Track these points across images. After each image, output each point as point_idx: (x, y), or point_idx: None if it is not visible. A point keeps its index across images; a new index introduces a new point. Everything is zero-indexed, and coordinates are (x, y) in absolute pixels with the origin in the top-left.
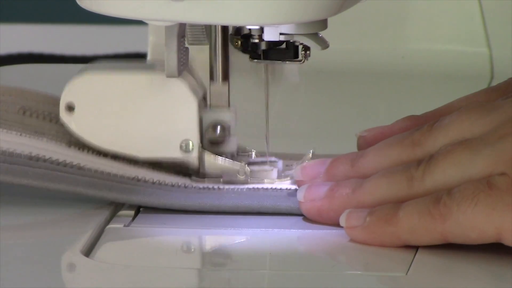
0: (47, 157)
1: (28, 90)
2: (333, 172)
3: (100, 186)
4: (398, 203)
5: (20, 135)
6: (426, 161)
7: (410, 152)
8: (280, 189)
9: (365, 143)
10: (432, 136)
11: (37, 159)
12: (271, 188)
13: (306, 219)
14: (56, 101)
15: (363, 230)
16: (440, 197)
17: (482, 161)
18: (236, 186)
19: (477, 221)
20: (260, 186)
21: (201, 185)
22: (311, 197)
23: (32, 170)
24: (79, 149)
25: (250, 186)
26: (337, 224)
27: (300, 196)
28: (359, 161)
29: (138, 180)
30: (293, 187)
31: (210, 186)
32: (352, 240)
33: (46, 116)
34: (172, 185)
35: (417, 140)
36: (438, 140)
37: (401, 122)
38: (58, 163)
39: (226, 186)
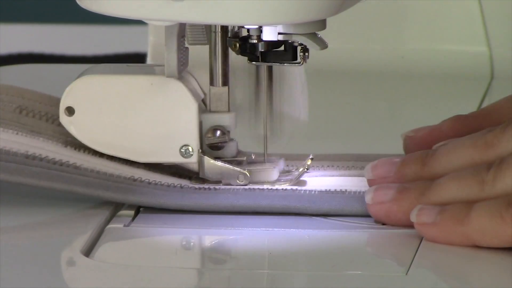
0: (43, 156)
1: (25, 89)
2: (404, 171)
3: (96, 185)
4: (469, 203)
5: (17, 133)
6: (497, 165)
7: (483, 154)
8: (276, 189)
9: (413, 144)
10: (505, 138)
11: (33, 157)
12: (267, 188)
13: (305, 219)
14: (53, 101)
15: (434, 227)
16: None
17: None
18: (232, 186)
19: None
20: (256, 186)
21: (197, 185)
22: (379, 199)
23: (28, 169)
24: (75, 149)
25: (247, 186)
26: (405, 226)
27: (368, 198)
28: (430, 161)
29: (134, 180)
30: (339, 188)
31: (206, 186)
32: (422, 236)
33: (42, 116)
34: (168, 185)
35: (490, 141)
36: (511, 142)
37: (449, 122)
38: (54, 162)
39: (222, 186)
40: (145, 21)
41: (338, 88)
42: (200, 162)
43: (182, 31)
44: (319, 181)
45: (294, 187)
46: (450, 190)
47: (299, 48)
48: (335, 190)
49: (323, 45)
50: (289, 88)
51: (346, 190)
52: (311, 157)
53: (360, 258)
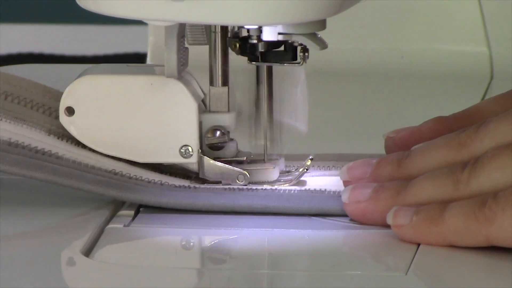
0: (26, 144)
1: (13, 75)
2: (379, 172)
3: (77, 177)
4: (445, 203)
5: (1, 120)
6: (471, 164)
7: (457, 154)
8: (256, 188)
9: (393, 145)
10: (479, 138)
11: (16, 145)
12: (247, 188)
13: (304, 219)
14: (39, 88)
15: (409, 229)
16: (485, 200)
17: None
18: (212, 186)
19: None
20: (236, 186)
21: (177, 183)
22: (356, 198)
23: (10, 157)
24: (58, 138)
25: (226, 186)
26: (382, 225)
27: (345, 197)
28: (405, 162)
29: (115, 173)
30: (318, 187)
31: (186, 184)
32: (399, 238)
33: (27, 103)
34: (149, 181)
35: (463, 141)
36: (485, 142)
37: (430, 123)
38: (37, 151)
39: (202, 186)
40: (145, 21)
41: (338, 88)
42: (200, 163)
43: (182, 31)
44: (300, 180)
45: (274, 187)
46: (426, 190)
47: (299, 48)
48: (314, 189)
49: (323, 45)
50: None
51: (325, 190)
52: (311, 157)
53: (360, 258)
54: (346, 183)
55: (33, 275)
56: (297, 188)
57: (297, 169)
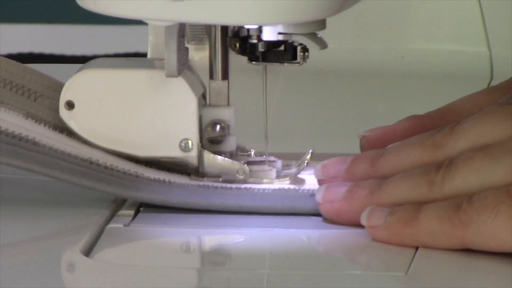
0: (2, 128)
1: None
2: (353, 171)
3: (52, 166)
4: (419, 204)
5: None
6: (446, 166)
7: (431, 154)
8: (230, 187)
9: (368, 144)
10: (453, 138)
11: None
12: (221, 186)
13: (304, 219)
14: (19, 68)
15: (383, 230)
16: (460, 203)
17: (502, 169)
18: (187, 182)
19: (497, 231)
20: (211, 184)
21: (152, 175)
22: (330, 198)
23: None
24: (36, 122)
25: (201, 183)
26: (356, 225)
27: (319, 197)
28: (380, 161)
29: (91, 162)
30: (292, 186)
31: (161, 178)
32: (373, 239)
33: (7, 84)
34: (124, 173)
35: (438, 142)
36: (459, 142)
37: (404, 122)
38: (14, 136)
39: (177, 181)
40: (145, 21)
41: (338, 88)
42: (200, 157)
43: (182, 31)
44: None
45: (248, 186)
46: (399, 190)
47: (299, 47)
48: (289, 188)
49: (323, 45)
50: None
51: (299, 188)
52: (311, 151)
53: (360, 258)
54: (320, 182)
55: (33, 275)
56: (271, 187)
57: (297, 164)
